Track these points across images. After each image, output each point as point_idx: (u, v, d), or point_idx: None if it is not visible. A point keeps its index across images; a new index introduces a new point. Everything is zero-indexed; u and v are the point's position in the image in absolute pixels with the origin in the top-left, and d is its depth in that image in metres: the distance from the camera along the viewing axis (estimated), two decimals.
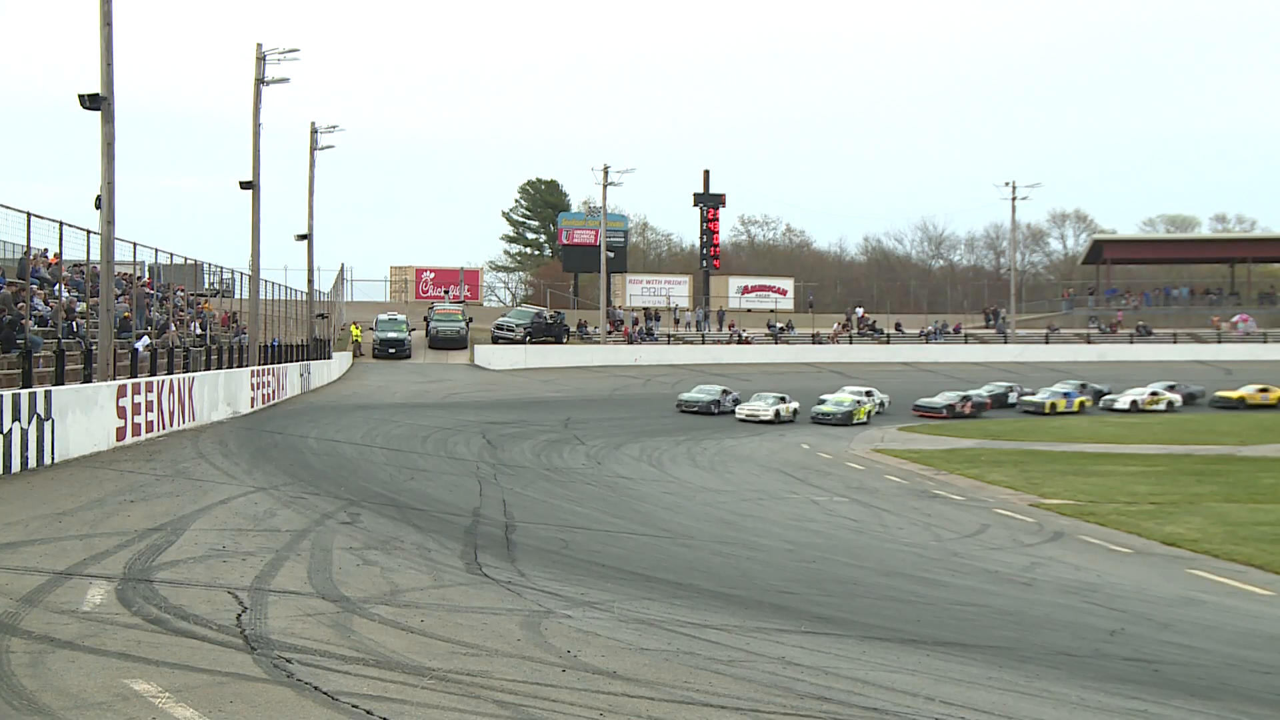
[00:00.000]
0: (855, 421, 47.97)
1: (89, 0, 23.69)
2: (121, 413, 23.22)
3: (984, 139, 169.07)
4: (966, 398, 52.91)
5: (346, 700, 7.71)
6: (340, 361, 58.06)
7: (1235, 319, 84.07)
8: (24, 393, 18.78)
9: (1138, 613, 15.63)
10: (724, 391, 50.35)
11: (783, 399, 48.47)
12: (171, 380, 27.05)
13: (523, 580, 13.45)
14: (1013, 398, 56.44)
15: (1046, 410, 53.89)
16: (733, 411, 48.80)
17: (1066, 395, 55.26)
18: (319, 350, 52.22)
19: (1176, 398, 57.25)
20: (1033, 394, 56.36)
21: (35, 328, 22.03)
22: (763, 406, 47.43)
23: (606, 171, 72.87)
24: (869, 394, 52.60)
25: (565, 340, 70.87)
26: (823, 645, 11.50)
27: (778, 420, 47.16)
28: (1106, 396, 57.34)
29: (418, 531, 16.45)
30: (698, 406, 48.74)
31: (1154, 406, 55.99)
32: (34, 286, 23.92)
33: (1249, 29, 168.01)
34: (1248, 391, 58.23)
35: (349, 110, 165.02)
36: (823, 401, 49.68)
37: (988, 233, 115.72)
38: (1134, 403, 55.77)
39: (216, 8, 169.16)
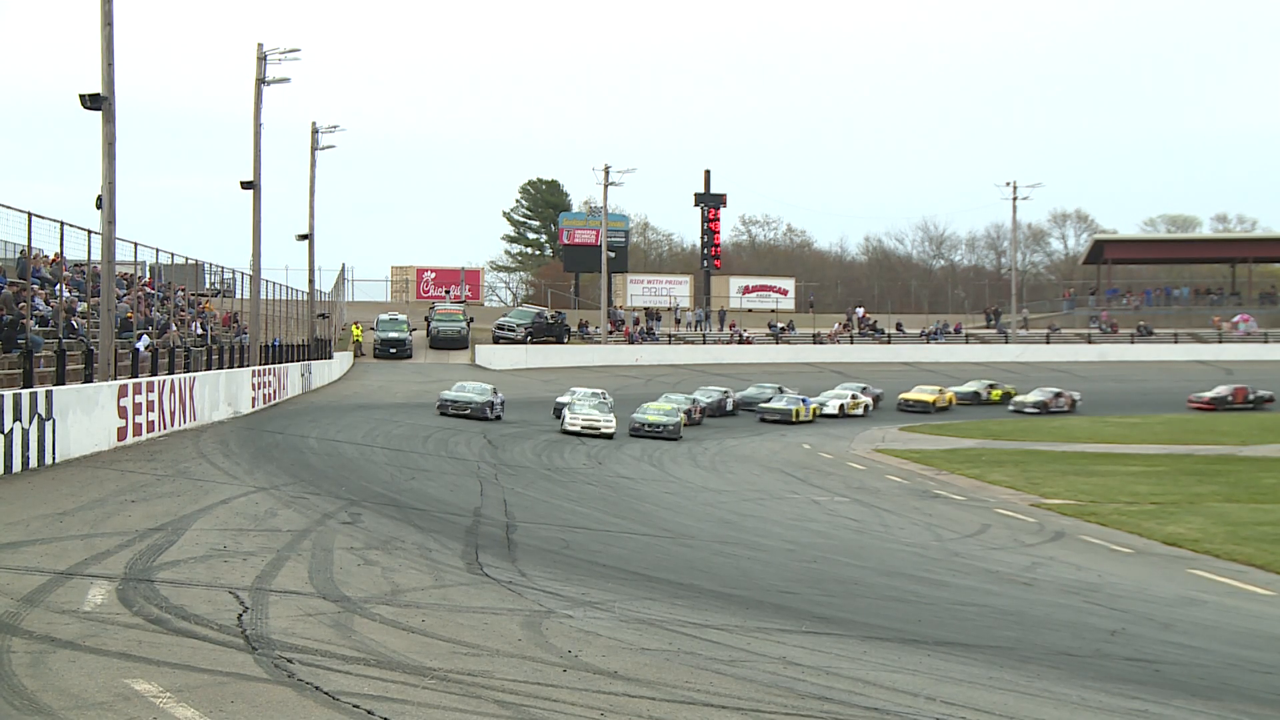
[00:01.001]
0: (680, 435, 39.81)
1: (90, 0, 23.71)
2: (122, 413, 23.22)
3: (985, 139, 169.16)
4: (695, 401, 47.06)
5: (347, 700, 7.71)
6: (341, 361, 58.05)
7: (1236, 319, 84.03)
8: (25, 393, 18.78)
9: (1139, 613, 15.64)
10: (494, 390, 41.71)
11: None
12: (172, 380, 27.05)
13: (524, 580, 13.46)
14: (729, 404, 50.76)
15: (794, 419, 47.96)
16: (500, 418, 40.08)
17: (804, 400, 49.57)
18: (320, 350, 52.22)
19: (869, 400, 54.31)
20: (768, 400, 50.38)
21: (36, 328, 22.03)
22: (601, 416, 38.36)
23: (607, 171, 72.89)
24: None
25: (566, 340, 70.87)
26: (824, 645, 11.50)
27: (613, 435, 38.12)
28: (813, 400, 52.89)
29: (419, 531, 16.45)
30: (469, 409, 39.36)
31: (854, 411, 52.02)
32: (35, 286, 23.93)
33: (1250, 29, 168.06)
34: (927, 394, 55.88)
35: (350, 110, 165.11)
36: (644, 411, 40.75)
37: (989, 233, 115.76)
38: (841, 407, 51.51)
39: (217, 8, 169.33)
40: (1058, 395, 56.51)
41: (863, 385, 56.51)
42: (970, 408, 57.56)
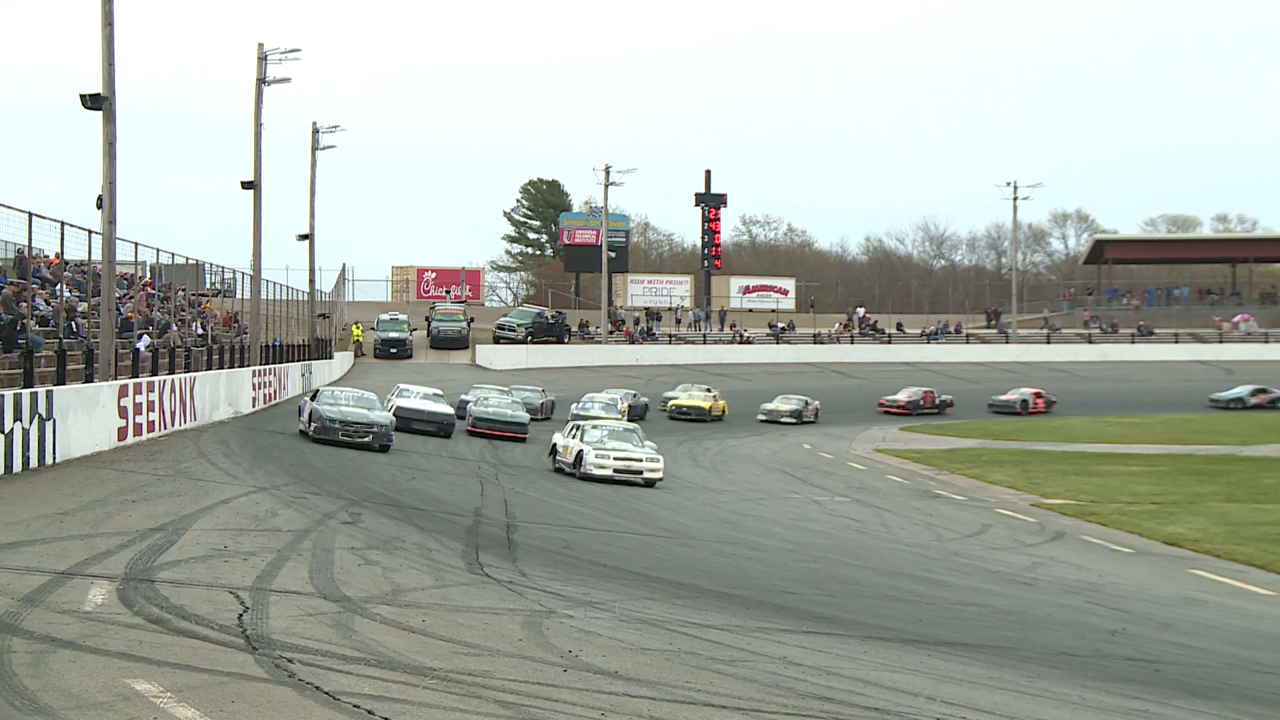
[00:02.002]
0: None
1: (90, 0, 23.71)
2: (123, 412, 23.22)
3: (985, 139, 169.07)
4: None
5: (348, 700, 7.71)
6: (342, 361, 58.07)
7: (1236, 319, 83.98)
8: (25, 393, 18.77)
9: (1139, 613, 15.65)
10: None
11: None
12: (173, 380, 27.04)
13: (524, 580, 13.45)
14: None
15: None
16: (388, 448, 27.70)
17: (612, 406, 42.54)
18: (320, 350, 52.22)
19: (626, 407, 46.36)
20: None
21: (37, 327, 22.02)
22: (640, 452, 27.25)
23: (608, 171, 72.87)
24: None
25: (567, 340, 70.88)
26: (824, 645, 11.50)
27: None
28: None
29: (419, 531, 16.45)
30: (371, 434, 27.45)
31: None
32: (36, 286, 23.92)
33: (1251, 29, 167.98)
34: (700, 398, 49.19)
35: (350, 110, 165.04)
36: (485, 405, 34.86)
37: (989, 233, 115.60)
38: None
39: (218, 8, 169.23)
40: (807, 404, 51.15)
41: (633, 391, 49.19)
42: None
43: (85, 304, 25.91)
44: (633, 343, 72.55)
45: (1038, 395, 57.00)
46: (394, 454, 27.37)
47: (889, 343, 78.33)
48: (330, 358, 54.52)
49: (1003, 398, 57.18)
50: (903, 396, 55.78)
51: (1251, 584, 18.67)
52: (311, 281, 51.78)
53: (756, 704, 8.59)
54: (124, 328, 26.67)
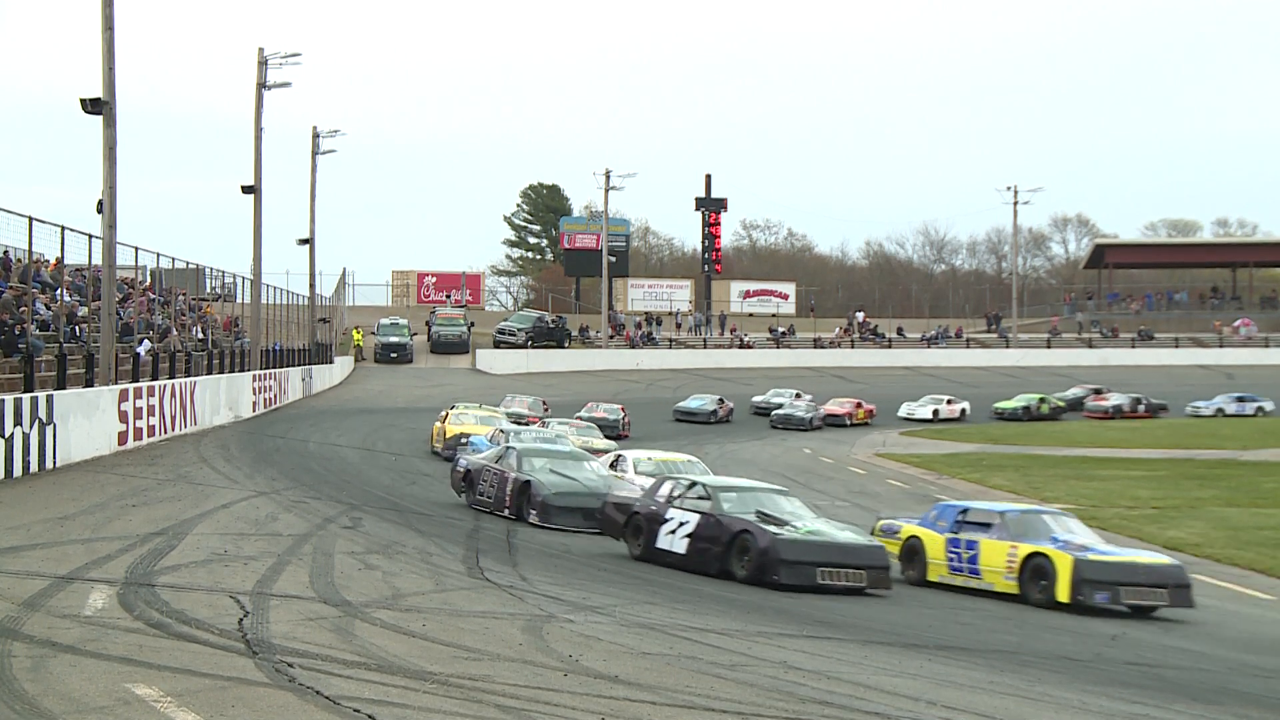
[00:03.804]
0: None
1: (91, 4, 23.73)
2: (123, 417, 23.22)
3: (986, 143, 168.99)
4: None
5: (348, 704, 7.70)
6: (342, 366, 58.06)
7: (1237, 323, 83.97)
8: (25, 397, 18.77)
9: (1139, 617, 15.63)
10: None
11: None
12: (173, 384, 27.04)
13: (524, 584, 13.45)
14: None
15: None
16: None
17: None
18: (321, 354, 52.21)
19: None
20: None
21: (37, 332, 22.03)
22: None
23: (608, 176, 72.86)
24: None
25: (567, 344, 70.85)
26: (824, 650, 11.49)
27: None
28: None
29: (419, 536, 16.45)
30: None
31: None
32: (36, 291, 23.93)
33: (1250, 32, 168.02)
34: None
35: (351, 114, 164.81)
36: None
37: (989, 237, 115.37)
38: None
39: (219, 12, 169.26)
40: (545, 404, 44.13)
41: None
42: None
43: (86, 308, 25.93)
44: (633, 347, 72.53)
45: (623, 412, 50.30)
46: (395, 458, 27.33)
47: (889, 347, 78.28)
48: (330, 362, 54.54)
49: (588, 414, 45.38)
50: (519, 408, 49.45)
51: (1252, 588, 18.67)
52: (312, 286, 51.79)
53: (757, 708, 8.59)
54: (124, 332, 26.67)
